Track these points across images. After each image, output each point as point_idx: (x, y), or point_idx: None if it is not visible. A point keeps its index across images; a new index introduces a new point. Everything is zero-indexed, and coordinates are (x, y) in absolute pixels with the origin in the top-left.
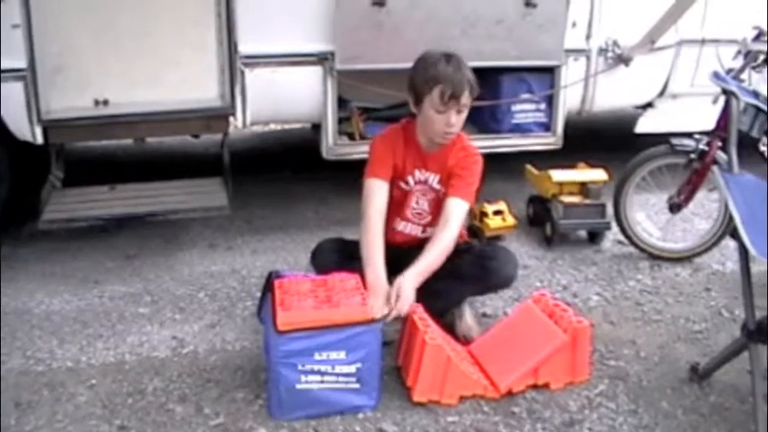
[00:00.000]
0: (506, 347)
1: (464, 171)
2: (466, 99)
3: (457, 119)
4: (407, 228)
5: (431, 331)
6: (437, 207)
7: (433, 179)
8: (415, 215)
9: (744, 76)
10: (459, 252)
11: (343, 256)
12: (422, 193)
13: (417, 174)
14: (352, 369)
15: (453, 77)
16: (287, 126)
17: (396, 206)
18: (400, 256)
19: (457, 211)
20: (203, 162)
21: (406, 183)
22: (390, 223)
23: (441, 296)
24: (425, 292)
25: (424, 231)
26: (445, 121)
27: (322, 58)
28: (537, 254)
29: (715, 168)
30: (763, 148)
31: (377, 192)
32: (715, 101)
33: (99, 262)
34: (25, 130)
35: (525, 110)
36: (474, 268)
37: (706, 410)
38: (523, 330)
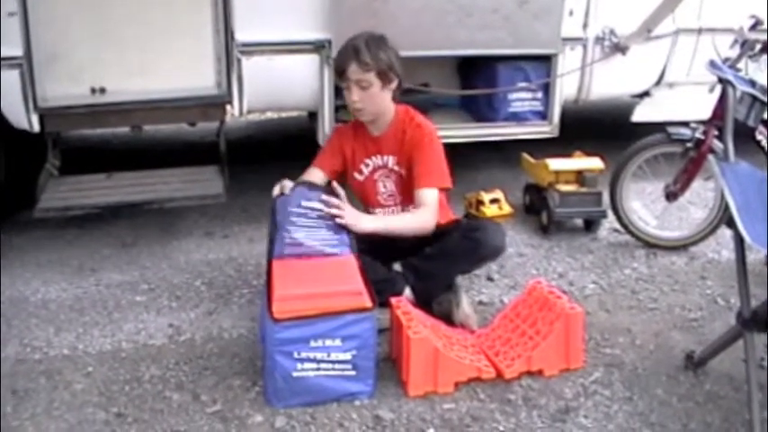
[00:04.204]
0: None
1: (424, 155)
2: (356, 74)
3: (360, 95)
4: (386, 212)
5: (414, 324)
6: (403, 186)
7: (390, 160)
8: (387, 198)
9: (740, 65)
10: (446, 231)
11: None
12: (385, 176)
13: (373, 160)
14: (347, 356)
15: (341, 52)
16: (283, 114)
17: (364, 198)
18: (392, 240)
19: (429, 199)
20: (200, 150)
21: (360, 172)
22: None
23: (432, 277)
24: (416, 276)
25: (403, 210)
26: (349, 96)
27: (319, 46)
28: (533, 242)
29: (711, 157)
30: (759, 137)
31: (309, 173)
32: (711, 90)
33: (95, 250)
34: (22, 118)
35: (521, 98)
36: (462, 242)
37: (701, 398)
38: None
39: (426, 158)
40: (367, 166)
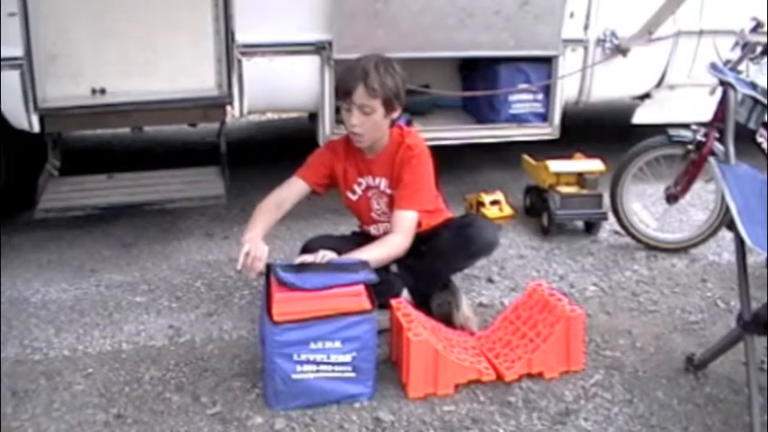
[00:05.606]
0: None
1: (409, 176)
2: (361, 98)
3: (361, 119)
4: (380, 228)
5: (414, 326)
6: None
7: (382, 183)
8: (381, 215)
9: (741, 67)
10: (438, 230)
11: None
12: (378, 196)
13: (366, 180)
14: (347, 358)
15: (346, 75)
16: (284, 116)
17: (358, 216)
18: None
19: (406, 222)
20: (200, 151)
21: (353, 192)
22: (366, 233)
23: (427, 276)
24: (412, 276)
25: None
26: (348, 119)
27: (319, 48)
28: (534, 244)
29: (712, 159)
30: (760, 140)
31: (289, 185)
32: (712, 92)
33: (96, 251)
34: (22, 118)
35: (522, 100)
36: (453, 239)
37: (701, 401)
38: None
39: (411, 180)
40: (360, 185)
